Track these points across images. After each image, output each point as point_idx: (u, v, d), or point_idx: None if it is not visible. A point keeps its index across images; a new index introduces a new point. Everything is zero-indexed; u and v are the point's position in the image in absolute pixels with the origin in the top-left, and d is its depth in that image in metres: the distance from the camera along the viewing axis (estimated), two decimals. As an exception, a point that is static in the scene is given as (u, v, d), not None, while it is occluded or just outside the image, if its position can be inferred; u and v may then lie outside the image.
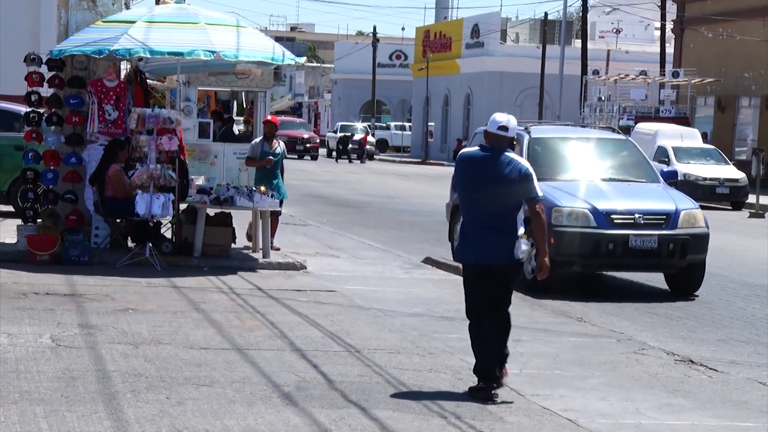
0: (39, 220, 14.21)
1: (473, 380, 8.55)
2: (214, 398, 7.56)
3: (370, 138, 62.37)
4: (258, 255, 14.63)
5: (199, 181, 15.24)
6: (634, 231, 13.58)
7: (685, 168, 31.04)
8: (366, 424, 7.16)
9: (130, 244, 14.23)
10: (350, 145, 58.00)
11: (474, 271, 8.31)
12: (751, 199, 30.61)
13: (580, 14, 53.06)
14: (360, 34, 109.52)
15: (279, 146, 15.90)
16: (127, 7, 17.18)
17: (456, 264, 15.25)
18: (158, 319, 10.32)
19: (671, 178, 15.78)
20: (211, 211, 14.60)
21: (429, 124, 66.45)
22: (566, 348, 10.15)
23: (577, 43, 57.16)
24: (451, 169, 9.53)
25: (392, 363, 9.00)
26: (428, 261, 15.75)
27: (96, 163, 14.11)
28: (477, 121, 57.41)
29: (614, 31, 63.88)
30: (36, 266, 13.13)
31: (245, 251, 15.03)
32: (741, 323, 12.29)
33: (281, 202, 15.84)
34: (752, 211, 29.49)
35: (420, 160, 62.63)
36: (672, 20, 49.05)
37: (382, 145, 68.74)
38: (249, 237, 15.49)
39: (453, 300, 12.55)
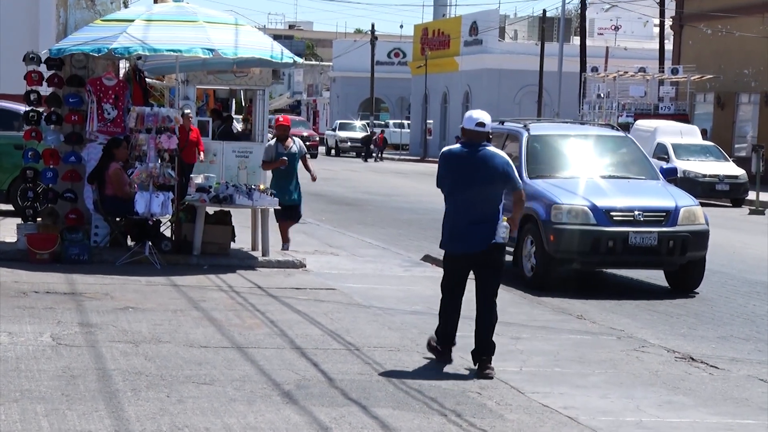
0: (39, 219, 14.21)
1: (475, 378, 8.58)
2: (214, 396, 7.56)
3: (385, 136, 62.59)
4: (257, 253, 14.62)
5: (199, 179, 15.23)
6: (633, 228, 13.58)
7: (685, 165, 31.04)
8: (366, 422, 7.16)
9: (129, 242, 14.23)
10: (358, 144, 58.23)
11: (457, 260, 8.97)
12: (751, 195, 30.61)
13: (579, 11, 53.06)
14: (358, 32, 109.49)
15: (294, 146, 15.51)
16: (126, 6, 17.20)
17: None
18: (158, 317, 10.32)
19: (671, 175, 15.77)
20: (211, 210, 14.59)
21: (428, 121, 66.46)
22: (566, 345, 10.15)
23: (576, 40, 57.14)
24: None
25: (392, 361, 9.00)
26: (427, 259, 15.75)
27: (95, 161, 14.11)
28: (476, 118, 57.28)
29: (613, 27, 63.89)
30: (36, 265, 13.13)
31: (244, 250, 15.02)
32: (741, 320, 12.29)
33: (299, 206, 15.62)
34: (752, 207, 29.49)
35: (419, 157, 62.65)
36: (671, 17, 49.04)
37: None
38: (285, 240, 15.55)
39: (453, 298, 12.55)
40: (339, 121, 66.66)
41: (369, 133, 60.57)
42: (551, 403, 7.97)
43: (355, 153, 61.25)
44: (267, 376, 8.21)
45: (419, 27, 73.94)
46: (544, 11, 58.07)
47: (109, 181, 13.87)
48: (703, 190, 30.41)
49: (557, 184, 14.23)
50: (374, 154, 58.37)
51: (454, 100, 68.04)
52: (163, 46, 13.73)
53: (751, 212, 28.90)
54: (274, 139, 15.55)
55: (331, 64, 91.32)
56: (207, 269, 13.50)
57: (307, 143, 57.33)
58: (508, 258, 14.90)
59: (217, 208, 14.55)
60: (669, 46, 49.31)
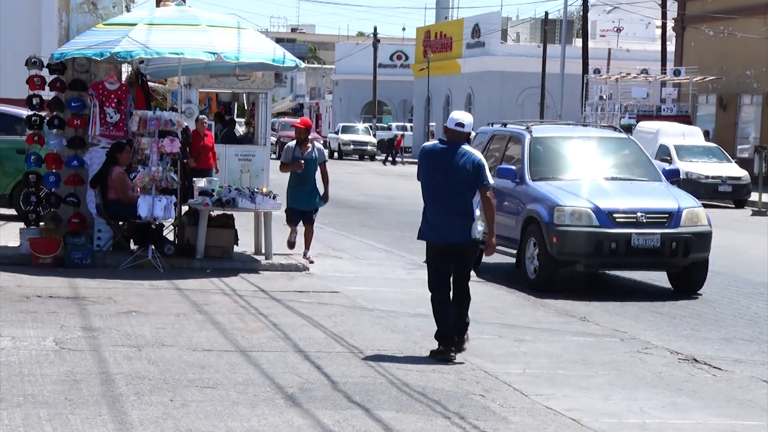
0: (41, 224, 14.22)
1: (477, 380, 8.59)
2: (217, 400, 7.56)
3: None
4: (260, 257, 14.62)
5: (201, 183, 15.23)
6: (636, 230, 13.57)
7: (688, 166, 31.03)
8: (370, 425, 7.15)
9: (132, 246, 14.24)
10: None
11: (436, 249, 9.51)
12: (754, 196, 30.59)
13: (581, 13, 53.04)
14: (361, 34, 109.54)
15: (314, 151, 14.83)
16: (128, 10, 17.18)
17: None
18: (161, 321, 10.32)
19: (673, 177, 15.77)
20: (213, 213, 14.59)
21: (430, 124, 66.44)
22: (570, 347, 10.15)
23: (578, 42, 57.13)
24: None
25: (395, 364, 8.99)
26: (431, 261, 15.72)
27: (98, 166, 14.12)
28: (478, 121, 57.23)
29: (615, 29, 63.85)
30: (39, 269, 13.14)
31: (247, 253, 15.02)
32: (744, 321, 12.27)
33: (315, 211, 15.01)
34: (755, 208, 29.48)
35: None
36: (673, 18, 49.03)
37: (384, 146, 68.68)
38: (291, 245, 14.92)
39: (456, 300, 12.55)
40: (341, 124, 66.64)
41: (391, 137, 60.53)
42: (555, 405, 7.96)
43: (357, 156, 61.20)
44: (270, 380, 8.21)
45: (421, 29, 73.95)
46: (546, 13, 58.16)
47: (113, 185, 13.88)
48: (706, 191, 30.40)
49: (560, 186, 14.22)
50: (395, 158, 58.07)
51: (456, 103, 68.00)
52: (165, 50, 13.74)
53: (754, 213, 28.88)
54: (294, 141, 14.99)
55: (333, 67, 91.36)
56: (210, 273, 13.50)
57: None
58: (511, 260, 14.94)
59: (220, 212, 14.56)
60: (671, 47, 49.30)
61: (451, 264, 9.51)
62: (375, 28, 75.86)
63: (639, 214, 13.69)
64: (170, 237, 14.69)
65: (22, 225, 14.60)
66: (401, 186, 36.73)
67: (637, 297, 13.88)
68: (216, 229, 14.33)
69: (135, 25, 14.01)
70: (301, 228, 15.01)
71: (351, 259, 15.77)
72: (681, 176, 25.73)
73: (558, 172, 14.75)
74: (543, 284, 13.76)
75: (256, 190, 14.81)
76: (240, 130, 29.23)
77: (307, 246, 14.87)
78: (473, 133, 12.05)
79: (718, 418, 7.90)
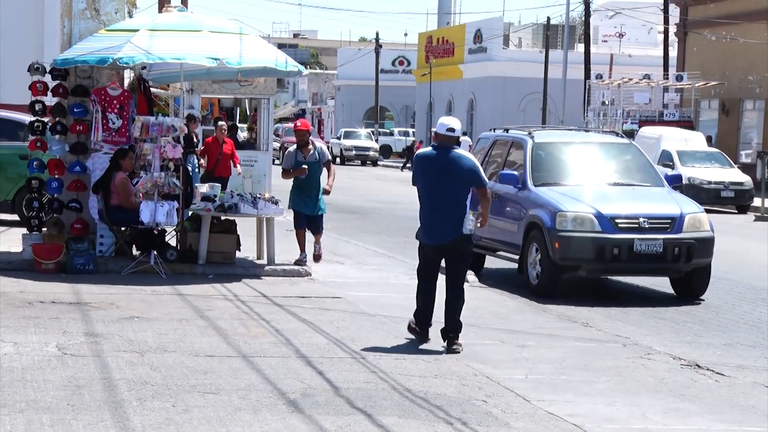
0: (44, 229, 14.22)
1: (479, 386, 8.60)
2: (219, 406, 7.56)
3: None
4: (263, 262, 14.63)
5: (204, 188, 15.23)
6: (638, 235, 13.57)
7: (690, 171, 31.02)
8: (372, 431, 7.15)
9: (134, 252, 14.25)
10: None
11: (430, 250, 10.09)
12: (757, 202, 30.58)
13: (583, 18, 53.07)
14: (363, 40, 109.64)
15: (316, 153, 14.44)
16: (131, 16, 17.23)
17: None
18: (163, 326, 10.33)
19: (675, 182, 15.76)
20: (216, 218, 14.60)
21: (432, 129, 66.40)
22: (572, 353, 10.14)
23: (580, 47, 57.13)
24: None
25: (398, 369, 8.99)
26: (433, 267, 15.71)
27: (100, 171, 14.13)
28: (480, 126, 57.44)
29: (617, 35, 63.88)
30: (41, 275, 13.14)
31: (250, 258, 15.02)
32: (747, 327, 12.26)
33: (321, 217, 14.64)
34: (757, 214, 29.46)
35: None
36: (675, 23, 49.04)
37: (386, 151, 68.78)
38: (300, 263, 14.37)
39: (458, 306, 12.54)
40: (344, 130, 66.67)
41: (411, 142, 60.39)
42: (557, 410, 7.96)
43: (360, 161, 61.18)
44: (272, 385, 8.21)
45: (423, 35, 74.02)
46: (548, 19, 58.13)
47: (115, 191, 13.89)
48: (708, 196, 30.38)
49: (562, 192, 14.22)
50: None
51: (458, 108, 68.03)
52: (167, 55, 13.75)
53: (757, 219, 28.87)
54: (294, 146, 14.62)
55: (335, 72, 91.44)
56: (212, 278, 13.50)
57: None
58: (513, 265, 14.94)
59: (223, 217, 14.56)
60: (673, 52, 49.30)
61: (447, 260, 10.12)
62: (377, 34, 75.97)
63: (641, 219, 13.68)
64: (172, 242, 14.70)
65: (24, 231, 14.60)
66: (404, 191, 36.73)
67: (639, 302, 13.87)
68: (218, 235, 14.34)
69: (137, 31, 14.03)
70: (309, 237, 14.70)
71: (353, 265, 15.76)
72: (683, 182, 25.74)
73: (560, 178, 14.75)
74: (545, 290, 13.76)
75: (258, 195, 14.80)
76: (242, 135, 29.24)
77: (317, 240, 14.65)
78: (466, 138, 12.47)
79: (721, 424, 7.89)
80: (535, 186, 14.47)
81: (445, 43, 69.37)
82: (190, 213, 14.40)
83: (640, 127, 38.26)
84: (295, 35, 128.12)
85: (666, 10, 48.92)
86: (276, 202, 14.56)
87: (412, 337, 10.40)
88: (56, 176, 14.18)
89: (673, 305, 13.64)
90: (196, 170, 19.53)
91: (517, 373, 9.18)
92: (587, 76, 47.39)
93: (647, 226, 13.66)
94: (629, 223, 13.66)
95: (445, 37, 70.02)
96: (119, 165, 13.95)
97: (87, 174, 14.28)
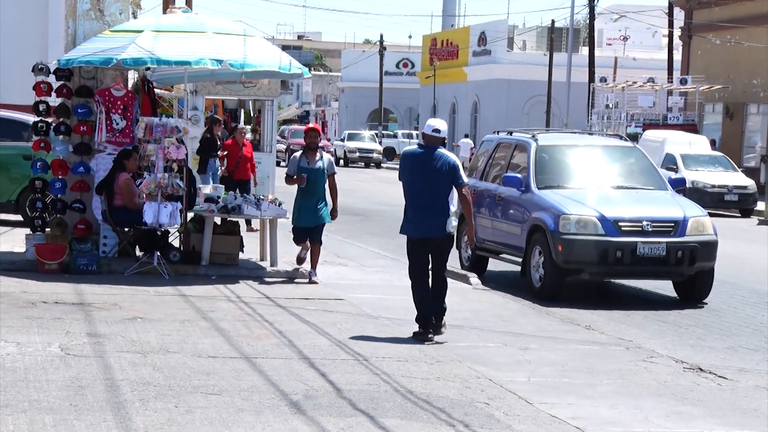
0: (47, 230, 14.23)
1: (482, 388, 8.60)
2: (222, 407, 7.56)
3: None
4: (266, 263, 14.63)
5: (207, 189, 15.24)
6: (642, 238, 13.56)
7: (694, 175, 31.00)
8: (374, 433, 7.15)
9: (138, 253, 14.25)
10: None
11: (415, 243, 10.66)
12: (760, 206, 30.56)
13: (587, 21, 53.06)
14: (367, 42, 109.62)
15: (321, 161, 13.72)
16: (135, 17, 17.24)
17: (463, 272, 15.30)
18: (166, 327, 10.33)
19: (679, 186, 15.75)
20: (219, 220, 14.61)
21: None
22: (574, 356, 10.14)
23: (585, 50, 57.13)
24: None
25: (400, 371, 8.99)
26: (436, 269, 15.71)
27: (104, 172, 14.15)
28: (484, 128, 57.44)
29: (621, 38, 63.89)
30: (44, 275, 13.16)
31: (253, 260, 15.03)
32: (750, 331, 12.25)
33: (323, 226, 13.96)
34: (761, 218, 29.43)
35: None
36: (680, 27, 49.02)
37: (390, 154, 68.81)
38: (300, 260, 14.11)
39: (461, 308, 12.55)
40: (347, 132, 66.68)
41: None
42: (559, 413, 7.96)
43: (363, 163, 61.20)
44: (275, 387, 8.21)
45: (428, 37, 74.04)
46: (553, 21, 58.11)
47: (119, 192, 13.90)
48: (712, 200, 30.35)
49: (565, 195, 14.22)
50: None
51: (462, 111, 68.06)
52: (171, 58, 13.75)
53: (760, 222, 28.83)
54: (300, 152, 13.94)
55: (339, 74, 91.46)
56: (215, 279, 13.51)
57: None
58: (516, 267, 14.94)
59: (226, 218, 14.57)
60: (678, 56, 49.28)
61: (429, 255, 10.68)
62: (381, 36, 76.03)
63: (644, 222, 13.67)
64: (176, 243, 14.70)
65: (28, 231, 14.61)
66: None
67: (642, 306, 13.86)
68: (221, 236, 14.35)
69: (141, 32, 14.04)
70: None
71: (356, 267, 15.77)
72: (687, 185, 25.70)
73: (564, 181, 14.75)
74: (548, 292, 13.75)
75: (261, 197, 14.80)
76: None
77: (314, 265, 13.88)
78: (468, 141, 12.84)
79: (723, 428, 7.89)
80: (539, 189, 14.47)
81: (449, 45, 69.38)
82: (193, 214, 14.41)
83: (644, 130, 38.25)
84: (300, 37, 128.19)
85: (671, 14, 48.89)
86: (279, 204, 14.55)
87: (417, 338, 10.42)
88: (60, 177, 14.19)
89: (676, 308, 13.63)
90: (218, 173, 19.51)
91: (519, 375, 9.18)
92: (591, 79, 47.38)
93: (650, 229, 13.65)
94: (632, 227, 13.65)
95: (449, 40, 70.04)
96: (123, 165, 13.96)
97: (90, 175, 14.29)
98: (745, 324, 12.69)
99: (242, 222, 15.75)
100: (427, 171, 10.54)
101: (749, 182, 32.04)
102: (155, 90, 16.18)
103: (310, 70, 16.64)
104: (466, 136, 59.51)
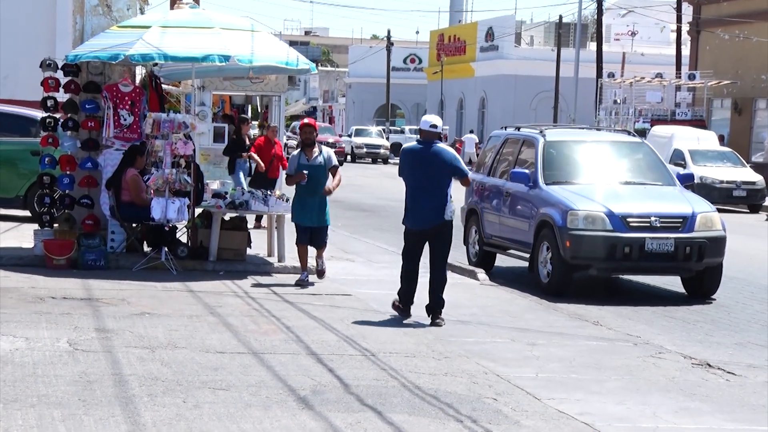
0: (55, 225, 14.25)
1: (490, 384, 8.60)
2: (230, 402, 7.57)
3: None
4: (273, 259, 14.64)
5: (214, 185, 15.25)
6: (650, 234, 13.54)
7: (702, 171, 30.94)
8: (382, 428, 7.15)
9: (146, 248, 14.27)
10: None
11: (414, 233, 11.18)
12: (768, 201, 30.49)
13: (595, 17, 52.98)
14: (374, 37, 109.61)
15: (321, 156, 13.12)
16: (142, 12, 17.23)
17: (470, 268, 15.29)
18: (174, 323, 10.34)
19: (687, 181, 15.72)
20: (227, 216, 14.61)
21: (443, 127, 66.36)
22: (582, 352, 10.13)
23: (592, 45, 57.07)
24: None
25: (408, 367, 8.99)
26: (444, 264, 15.70)
27: (112, 167, 14.17)
28: (492, 124, 57.42)
29: (629, 33, 63.78)
30: (53, 271, 13.18)
31: (260, 255, 15.03)
32: (758, 326, 12.23)
33: (325, 228, 13.30)
34: (769, 213, 29.35)
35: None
36: (688, 22, 48.92)
37: (397, 149, 68.75)
38: (300, 284, 13.10)
39: (468, 304, 12.54)
40: (355, 127, 66.66)
41: (453, 141, 60.11)
42: (567, 409, 7.95)
43: (371, 159, 61.18)
44: (283, 382, 8.21)
45: (435, 33, 74.00)
46: (561, 17, 58.04)
47: (126, 187, 13.92)
48: (720, 196, 30.30)
49: (573, 190, 14.20)
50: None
51: (469, 106, 68.01)
52: (179, 54, 13.75)
53: (769, 218, 28.77)
54: (298, 150, 13.38)
55: (346, 70, 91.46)
56: (223, 275, 13.52)
57: (333, 150, 55.81)
58: (524, 263, 14.93)
59: (233, 214, 14.57)
60: (686, 51, 49.19)
61: (430, 244, 11.16)
62: (388, 31, 76.01)
63: (653, 218, 13.65)
64: (183, 239, 14.71)
65: (36, 226, 14.64)
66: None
67: (650, 301, 13.84)
68: (229, 232, 14.35)
69: (149, 27, 14.04)
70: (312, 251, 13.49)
71: (363, 262, 15.77)
72: (695, 181, 25.69)
73: (571, 176, 14.73)
74: (556, 288, 13.74)
75: (269, 192, 14.81)
76: (253, 132, 29.25)
77: (320, 255, 13.35)
78: (472, 136, 13.24)
79: (732, 423, 7.87)
80: (547, 184, 14.45)
81: (456, 41, 69.33)
82: (200, 210, 14.42)
83: (651, 125, 38.18)
84: (307, 33, 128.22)
85: (679, 9, 48.79)
86: (287, 200, 14.55)
87: (418, 332, 10.41)
88: (68, 172, 14.21)
89: (684, 304, 13.61)
90: (247, 172, 19.46)
91: (527, 371, 9.17)
92: (599, 74, 47.31)
93: (659, 225, 13.63)
94: (641, 222, 13.63)
95: (456, 35, 69.99)
96: (134, 160, 13.98)
97: (98, 170, 14.31)
98: (754, 320, 12.67)
99: (251, 218, 15.74)
100: (427, 165, 10.99)
101: (758, 178, 31.97)
102: (163, 86, 16.19)
103: (317, 65, 16.60)
104: (471, 131, 59.48)
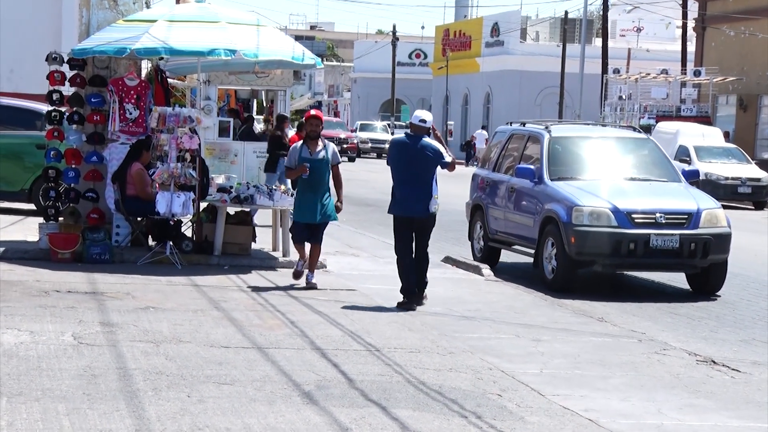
0: (60, 219, 14.26)
1: (494, 380, 8.59)
2: (234, 397, 7.57)
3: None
4: (278, 254, 14.64)
5: (220, 179, 15.25)
6: (655, 230, 13.52)
7: (707, 167, 30.91)
8: (386, 424, 7.15)
9: (150, 242, 14.27)
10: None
11: (402, 221, 11.91)
12: (773, 198, 30.44)
13: (601, 12, 52.90)
14: (380, 32, 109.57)
15: (325, 151, 12.57)
16: (148, 6, 17.22)
17: (475, 263, 15.29)
18: (179, 317, 10.35)
19: (692, 178, 15.70)
20: (232, 210, 14.62)
21: (448, 123, 66.41)
22: (587, 348, 10.12)
23: (598, 41, 56.99)
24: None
25: (412, 362, 8.99)
26: (448, 260, 15.73)
27: (117, 161, 14.17)
28: (497, 119, 57.36)
29: (635, 29, 63.68)
30: (57, 264, 13.19)
31: (265, 250, 15.03)
32: (763, 323, 12.22)
33: (325, 225, 12.75)
34: (774, 210, 29.33)
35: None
36: (693, 18, 48.84)
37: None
38: (297, 275, 12.70)
39: (473, 299, 12.54)
40: (359, 122, 66.65)
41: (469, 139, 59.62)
42: (572, 405, 7.94)
43: (375, 154, 61.17)
44: (287, 377, 8.21)
45: (440, 28, 73.94)
46: (566, 12, 57.98)
47: (131, 181, 13.92)
48: (725, 192, 30.28)
49: (578, 186, 14.19)
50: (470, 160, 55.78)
51: (475, 102, 67.96)
52: (185, 48, 13.76)
53: (774, 215, 28.74)
54: (300, 142, 12.82)
55: (352, 64, 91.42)
56: (228, 269, 13.52)
57: (345, 146, 55.53)
58: (529, 259, 14.92)
59: (238, 209, 14.57)
60: (691, 47, 49.12)
61: (414, 233, 11.88)
62: (394, 26, 75.90)
63: (658, 214, 13.64)
64: (188, 233, 14.72)
65: (41, 220, 14.65)
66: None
67: (655, 298, 13.83)
68: (234, 226, 14.35)
69: (155, 21, 14.04)
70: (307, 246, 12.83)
71: (368, 257, 15.77)
72: (700, 177, 25.64)
73: (577, 172, 14.71)
74: (560, 284, 13.73)
75: (274, 187, 14.80)
76: (258, 127, 29.24)
77: (312, 268, 12.65)
78: (483, 132, 13.28)
79: (736, 420, 7.87)
80: (552, 180, 14.44)
81: (462, 36, 69.28)
82: (205, 204, 14.42)
83: (657, 122, 38.15)
84: (312, 27, 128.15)
85: (684, 5, 48.72)
86: (292, 194, 14.53)
87: (422, 328, 10.42)
88: (73, 166, 14.21)
89: (689, 301, 13.60)
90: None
91: (532, 367, 9.17)
92: (604, 70, 47.26)
93: (664, 221, 13.62)
94: (646, 218, 13.61)
95: (462, 31, 69.93)
96: (140, 154, 13.98)
97: (104, 164, 14.32)
98: (759, 317, 12.66)
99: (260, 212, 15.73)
100: (413, 157, 11.74)
101: (763, 174, 31.94)
102: (168, 80, 16.18)
103: (322, 60, 16.57)
104: (483, 127, 59.40)
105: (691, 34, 49.67)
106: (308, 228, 12.60)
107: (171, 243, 13.63)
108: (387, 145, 61.52)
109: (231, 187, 14.52)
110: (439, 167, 11.89)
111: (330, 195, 12.69)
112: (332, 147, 12.76)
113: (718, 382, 9.03)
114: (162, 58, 14.84)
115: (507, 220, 15.42)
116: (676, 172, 15.19)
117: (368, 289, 12.72)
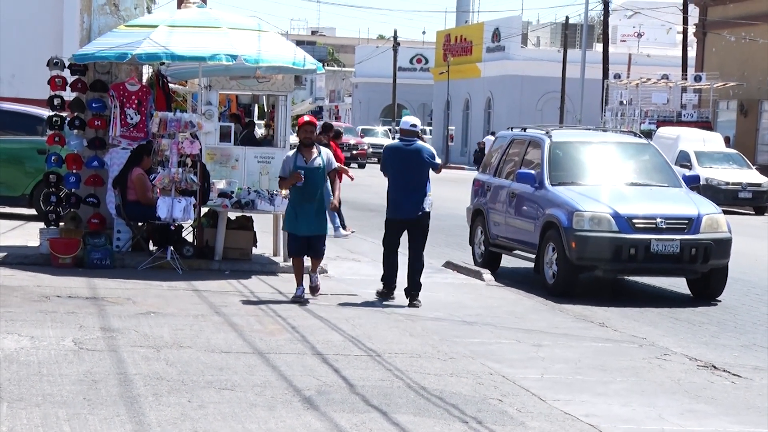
0: (61, 224, 14.27)
1: (495, 385, 8.59)
2: (235, 402, 7.57)
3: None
4: (279, 259, 14.64)
5: (221, 184, 15.25)
6: (656, 236, 13.53)
7: (708, 172, 30.91)
8: (387, 429, 7.15)
9: (151, 247, 14.27)
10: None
11: (396, 223, 12.39)
12: (774, 203, 30.43)
13: (602, 18, 52.93)
14: (381, 37, 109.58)
15: (320, 158, 12.07)
16: (149, 12, 17.22)
17: (476, 268, 15.29)
18: (179, 322, 10.35)
19: (693, 183, 15.70)
20: (233, 215, 14.62)
21: (449, 128, 66.43)
22: (588, 353, 10.12)
23: (599, 46, 57.01)
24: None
25: (413, 367, 8.99)
26: (449, 265, 15.73)
27: (118, 166, 14.17)
28: (498, 125, 57.39)
29: (636, 34, 63.69)
30: (58, 269, 13.19)
31: (266, 255, 15.03)
32: (764, 329, 12.21)
33: (323, 237, 12.23)
34: (775, 215, 29.31)
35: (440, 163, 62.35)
36: (694, 24, 48.86)
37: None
38: (299, 299, 11.89)
39: (474, 305, 12.54)
40: (361, 127, 66.67)
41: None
42: (572, 410, 7.94)
43: (377, 159, 61.09)
44: (288, 382, 8.21)
45: (442, 33, 73.99)
46: (567, 18, 58.02)
47: (132, 186, 13.92)
48: (726, 197, 30.27)
49: (579, 192, 14.19)
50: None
51: (476, 107, 67.98)
52: (186, 53, 13.77)
53: (775, 220, 28.73)
54: (294, 150, 12.28)
55: (353, 69, 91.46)
56: (228, 274, 13.52)
57: (355, 152, 55.27)
58: (529, 264, 14.92)
59: (239, 214, 14.58)
60: (692, 53, 49.13)
61: (410, 233, 12.35)
62: (395, 31, 75.91)
63: (658, 219, 13.64)
64: (189, 238, 14.72)
65: (42, 225, 14.65)
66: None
67: (656, 303, 13.83)
68: (235, 231, 14.36)
69: (156, 27, 14.05)
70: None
71: (369, 262, 15.76)
72: (701, 182, 25.65)
73: (577, 177, 14.72)
74: (561, 289, 13.73)
75: (275, 192, 14.80)
76: (259, 132, 29.24)
77: (314, 269, 12.28)
78: (491, 138, 13.36)
79: (737, 426, 7.86)
80: (553, 185, 14.44)
81: (463, 41, 69.31)
82: (206, 209, 14.42)
83: (657, 127, 38.15)
84: (314, 32, 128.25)
85: (685, 10, 48.75)
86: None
87: (423, 333, 10.41)
88: (74, 171, 14.21)
89: (689, 306, 13.59)
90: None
91: (532, 372, 9.16)
92: (605, 75, 47.28)
93: (664, 226, 13.62)
94: (646, 224, 13.62)
95: (463, 36, 69.97)
96: (141, 159, 13.98)
97: (105, 169, 14.32)
98: (760, 322, 12.65)
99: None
100: (409, 160, 12.24)
101: (763, 179, 31.94)
102: (170, 85, 16.19)
103: (323, 65, 16.53)
104: (492, 133, 59.38)
105: (691, 39, 49.69)
106: (306, 240, 12.08)
107: (172, 248, 13.63)
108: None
109: (232, 192, 14.51)
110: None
111: (325, 206, 12.16)
112: (327, 153, 12.23)
113: (718, 388, 9.02)
114: (163, 63, 14.85)
115: (508, 225, 15.42)
116: (677, 177, 15.19)
117: (369, 294, 12.72)
